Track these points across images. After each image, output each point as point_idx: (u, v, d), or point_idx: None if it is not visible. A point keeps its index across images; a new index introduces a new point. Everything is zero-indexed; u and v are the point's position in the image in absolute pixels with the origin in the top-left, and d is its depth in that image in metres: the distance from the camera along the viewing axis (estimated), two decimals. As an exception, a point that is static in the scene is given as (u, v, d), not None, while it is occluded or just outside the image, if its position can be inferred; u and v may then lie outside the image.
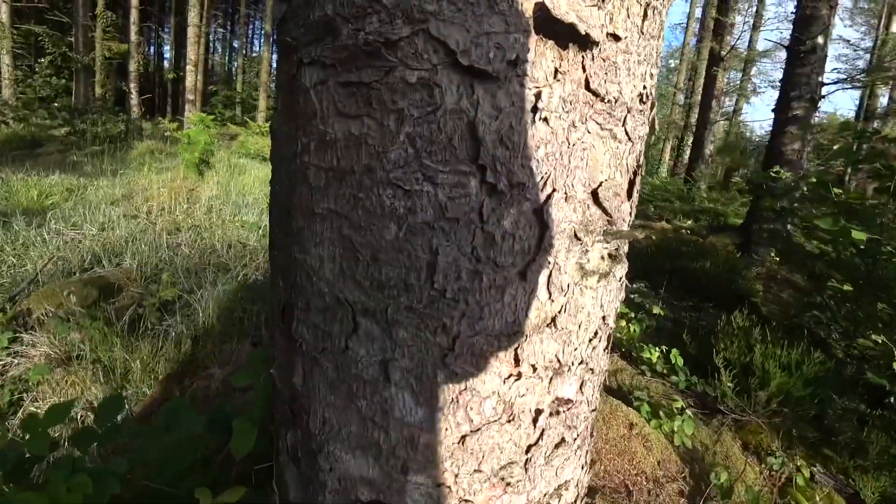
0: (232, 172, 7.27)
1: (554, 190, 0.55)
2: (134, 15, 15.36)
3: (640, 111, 0.64)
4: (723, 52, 11.93)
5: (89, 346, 2.40)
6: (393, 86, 0.51)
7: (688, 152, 12.62)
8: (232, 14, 30.51)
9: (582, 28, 0.51)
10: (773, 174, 3.32)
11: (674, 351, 2.84)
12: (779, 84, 6.13)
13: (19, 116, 11.69)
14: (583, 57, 0.54)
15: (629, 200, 0.67)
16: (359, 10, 0.51)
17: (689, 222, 7.47)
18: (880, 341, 2.36)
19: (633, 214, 0.69)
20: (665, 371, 2.84)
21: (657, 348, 2.88)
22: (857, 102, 16.05)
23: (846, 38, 14.63)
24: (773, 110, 6.13)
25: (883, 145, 3.65)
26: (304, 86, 0.59)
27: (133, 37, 15.22)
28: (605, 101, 0.57)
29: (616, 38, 0.56)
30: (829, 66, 5.80)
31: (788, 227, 4.15)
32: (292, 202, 0.65)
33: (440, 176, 0.52)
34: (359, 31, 0.52)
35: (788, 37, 6.31)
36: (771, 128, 6.36)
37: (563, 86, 0.53)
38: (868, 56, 14.11)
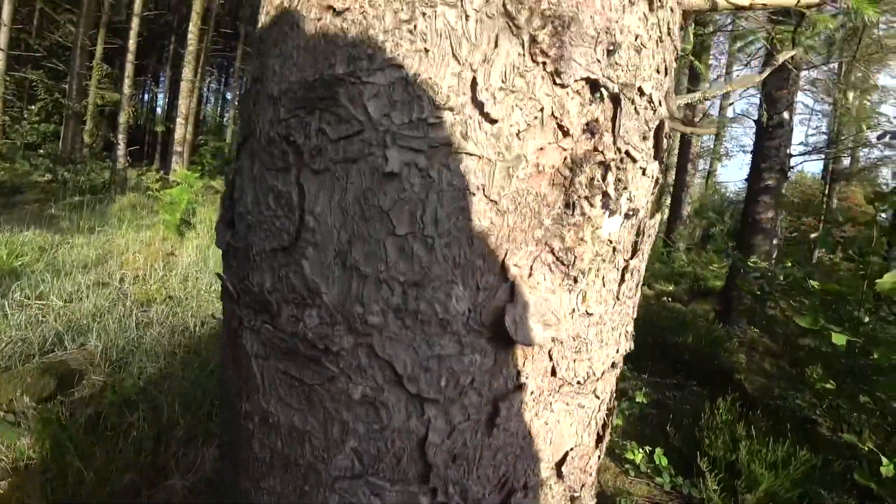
0: (213, 234, 7.18)
1: (513, 489, 0.50)
2: (129, 69, 15.64)
3: (614, 365, 0.61)
4: (696, 119, 12.54)
5: (40, 454, 2.23)
6: (336, 396, 0.47)
7: (666, 213, 12.94)
8: (227, 67, 31.34)
9: (548, 341, 0.48)
10: (751, 265, 3.37)
11: (657, 451, 2.75)
12: (749, 149, 6.44)
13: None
14: (551, 345, 0.51)
15: (597, 450, 0.63)
16: (297, 296, 0.47)
17: (670, 287, 7.54)
18: (867, 449, 2.32)
19: (601, 458, 0.65)
20: (649, 471, 2.74)
21: (641, 448, 2.79)
22: (823, 164, 16.88)
23: (808, 106, 15.61)
24: (745, 179, 6.37)
25: (854, 230, 3.77)
26: (246, 350, 0.55)
27: (126, 90, 15.43)
28: (574, 383, 0.54)
29: (588, 314, 0.53)
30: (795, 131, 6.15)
31: (767, 308, 4.19)
32: (238, 462, 0.59)
33: (387, 494, 0.47)
34: (298, 321, 0.48)
35: (757, 107, 6.68)
36: (745, 191, 6.61)
37: (527, 387, 0.49)
38: (828, 121, 14.97)
